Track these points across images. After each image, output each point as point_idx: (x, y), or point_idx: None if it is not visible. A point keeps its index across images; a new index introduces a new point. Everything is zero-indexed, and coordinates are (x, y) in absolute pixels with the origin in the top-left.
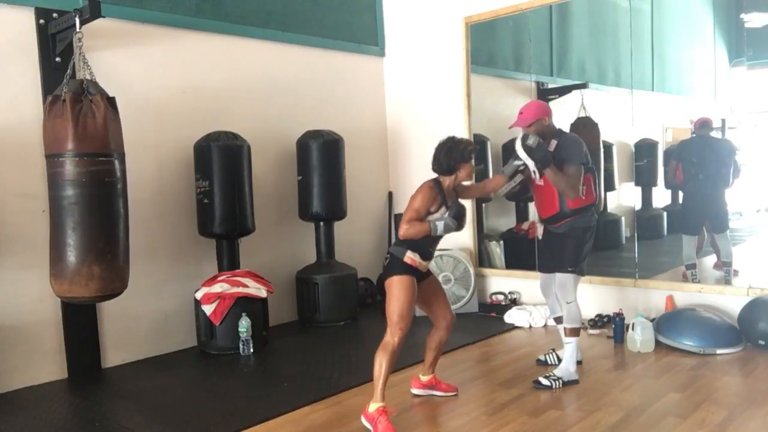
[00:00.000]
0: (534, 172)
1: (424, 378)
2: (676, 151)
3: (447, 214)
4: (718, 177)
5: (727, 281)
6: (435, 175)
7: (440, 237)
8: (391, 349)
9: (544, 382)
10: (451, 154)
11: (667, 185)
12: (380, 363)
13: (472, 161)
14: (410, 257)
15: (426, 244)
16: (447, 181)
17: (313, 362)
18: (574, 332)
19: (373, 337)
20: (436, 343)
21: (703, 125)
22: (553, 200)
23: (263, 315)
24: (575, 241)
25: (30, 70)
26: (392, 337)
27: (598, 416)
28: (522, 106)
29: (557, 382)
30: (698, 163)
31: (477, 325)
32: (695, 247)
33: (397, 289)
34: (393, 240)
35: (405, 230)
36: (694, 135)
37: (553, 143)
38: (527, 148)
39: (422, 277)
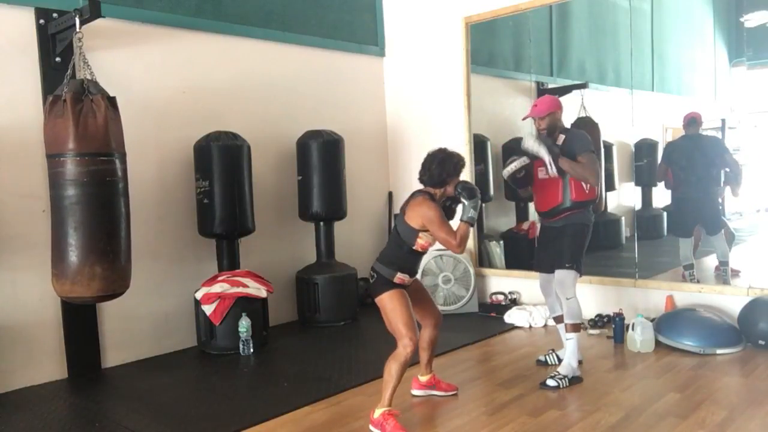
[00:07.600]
0: (549, 164)
1: (423, 378)
2: (664, 154)
3: (469, 204)
4: (708, 179)
5: (725, 281)
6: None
7: (424, 254)
8: (404, 360)
9: (551, 382)
10: (443, 166)
11: (667, 185)
12: (390, 371)
13: (461, 176)
14: (400, 278)
15: (414, 264)
16: (437, 193)
17: (313, 362)
18: (575, 328)
19: (373, 337)
20: (427, 342)
21: (691, 122)
22: (556, 191)
23: (263, 315)
24: (572, 238)
25: (30, 70)
26: (405, 349)
27: (598, 416)
28: (536, 99)
29: (563, 381)
30: (687, 166)
31: (477, 325)
32: (692, 248)
33: (391, 303)
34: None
35: (461, 244)
36: (683, 135)
37: (561, 137)
38: (536, 145)
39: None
